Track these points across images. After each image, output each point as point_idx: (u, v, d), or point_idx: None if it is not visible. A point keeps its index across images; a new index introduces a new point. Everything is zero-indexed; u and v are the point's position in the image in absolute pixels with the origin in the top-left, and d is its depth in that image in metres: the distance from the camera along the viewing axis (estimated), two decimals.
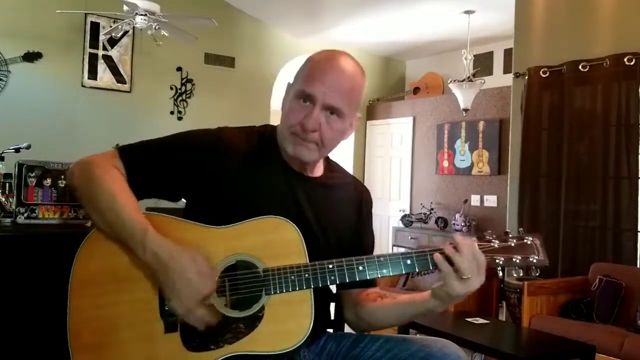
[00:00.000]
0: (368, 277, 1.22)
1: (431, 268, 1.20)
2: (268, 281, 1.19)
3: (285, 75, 6.69)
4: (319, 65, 1.30)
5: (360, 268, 1.21)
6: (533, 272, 1.25)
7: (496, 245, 1.22)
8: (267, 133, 1.39)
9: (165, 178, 1.30)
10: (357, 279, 1.21)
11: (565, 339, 3.12)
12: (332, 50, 1.34)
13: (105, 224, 1.21)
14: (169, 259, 1.15)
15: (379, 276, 1.22)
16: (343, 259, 1.21)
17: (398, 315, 1.35)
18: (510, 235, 1.24)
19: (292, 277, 1.19)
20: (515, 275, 1.27)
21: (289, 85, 1.36)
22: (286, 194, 1.33)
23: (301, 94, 1.28)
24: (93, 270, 1.22)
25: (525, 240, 1.23)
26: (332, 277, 1.20)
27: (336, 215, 1.39)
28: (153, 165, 1.29)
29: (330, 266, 1.20)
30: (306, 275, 1.19)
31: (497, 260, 1.21)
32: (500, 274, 1.24)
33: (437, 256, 1.18)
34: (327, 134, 1.29)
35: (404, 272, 1.23)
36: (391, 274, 1.23)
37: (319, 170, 1.41)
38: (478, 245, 1.21)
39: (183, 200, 1.37)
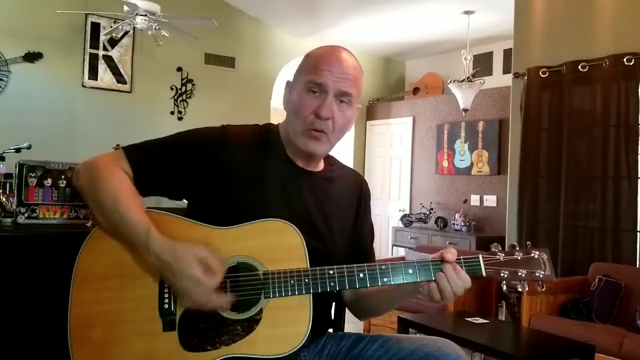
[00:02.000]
0: (368, 286, 1.22)
1: (432, 279, 1.21)
2: (267, 284, 1.20)
3: (285, 75, 6.69)
4: (324, 57, 1.32)
5: (361, 275, 1.21)
6: (539, 287, 1.23)
7: (501, 259, 1.22)
8: (270, 130, 1.41)
9: (171, 176, 1.31)
10: (357, 287, 1.22)
11: (565, 339, 3.12)
12: (330, 45, 1.38)
13: (110, 226, 1.22)
14: (173, 260, 1.15)
15: (380, 284, 1.22)
16: (344, 266, 1.22)
17: (389, 302, 1.38)
18: (517, 249, 1.23)
19: (292, 281, 1.19)
20: (520, 289, 1.25)
21: (291, 83, 1.38)
22: (290, 189, 1.34)
23: (311, 84, 1.30)
24: (96, 265, 1.23)
25: (532, 255, 1.22)
26: (332, 284, 1.20)
27: (339, 208, 1.40)
28: (159, 164, 1.30)
29: (331, 272, 1.21)
30: (306, 280, 1.20)
31: (501, 274, 1.21)
32: (504, 287, 1.23)
33: (441, 276, 1.20)
34: (339, 121, 1.31)
35: (405, 282, 1.23)
36: (392, 283, 1.22)
37: (320, 165, 1.43)
38: (483, 257, 1.22)
39: (184, 200, 1.38)
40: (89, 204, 1.28)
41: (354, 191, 1.47)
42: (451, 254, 1.22)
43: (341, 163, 1.52)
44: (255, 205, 1.26)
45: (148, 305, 1.20)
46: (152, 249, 1.17)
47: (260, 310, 1.19)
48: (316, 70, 1.30)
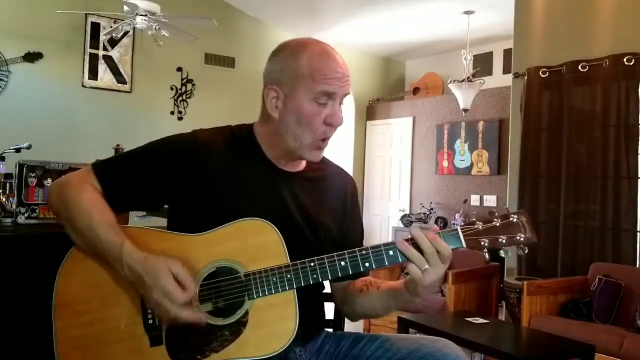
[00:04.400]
0: (351, 272, 1.19)
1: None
2: (250, 285, 1.18)
3: None
4: (324, 61, 1.27)
5: (343, 264, 1.18)
6: (521, 251, 1.20)
7: (480, 227, 1.19)
8: (244, 131, 1.37)
9: (142, 189, 1.28)
10: (340, 275, 1.19)
11: (565, 339, 3.12)
12: (315, 43, 1.30)
13: (84, 243, 1.21)
14: (144, 272, 1.14)
15: (362, 270, 1.19)
16: (325, 256, 1.19)
17: (382, 307, 1.34)
18: (495, 215, 1.21)
19: (274, 278, 1.18)
20: (503, 255, 1.23)
21: (283, 90, 1.28)
22: (268, 191, 1.32)
23: (321, 95, 1.26)
24: (75, 288, 1.22)
25: (510, 219, 1.19)
26: (315, 275, 1.18)
27: (322, 208, 1.37)
28: (128, 178, 1.28)
29: (312, 264, 1.18)
30: (288, 275, 1.18)
31: (482, 243, 1.18)
32: (487, 256, 1.20)
33: (401, 242, 1.17)
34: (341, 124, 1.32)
35: (387, 264, 1.19)
36: (374, 267, 1.19)
37: (301, 164, 1.40)
38: (461, 228, 1.19)
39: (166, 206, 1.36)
40: (63, 223, 1.26)
41: (340, 190, 1.44)
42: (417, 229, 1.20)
43: (328, 160, 1.47)
44: (234, 209, 1.23)
45: (132, 322, 1.19)
46: (125, 261, 1.15)
47: (246, 312, 1.18)
48: (323, 77, 1.25)
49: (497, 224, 1.19)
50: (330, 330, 1.49)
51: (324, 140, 1.30)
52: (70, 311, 1.21)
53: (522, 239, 1.19)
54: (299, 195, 1.34)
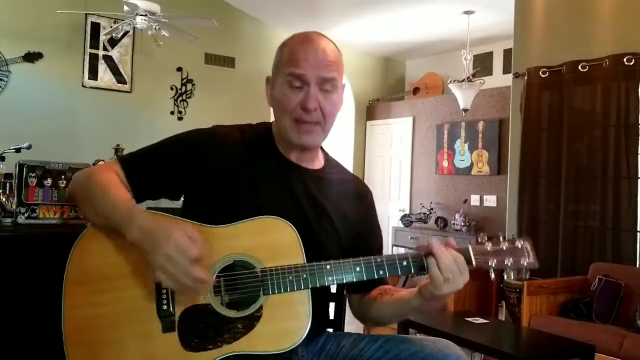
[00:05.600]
0: (365, 278, 1.22)
1: (425, 267, 1.22)
2: (266, 281, 1.20)
3: None
4: (299, 46, 1.31)
5: (358, 269, 1.22)
6: (523, 275, 1.32)
7: (488, 249, 1.26)
8: (262, 129, 1.41)
9: (164, 179, 1.32)
10: (355, 280, 1.22)
11: (565, 339, 3.12)
12: (304, 32, 1.35)
13: (96, 213, 1.23)
14: (156, 227, 1.14)
15: (375, 277, 1.23)
16: (340, 260, 1.22)
17: (395, 314, 1.37)
18: (501, 239, 1.28)
19: (290, 277, 1.20)
20: (506, 277, 1.33)
21: (271, 79, 1.37)
22: (282, 185, 1.33)
23: (291, 77, 1.29)
24: (88, 267, 1.22)
25: (516, 244, 1.28)
26: (330, 278, 1.21)
27: (335, 208, 1.39)
28: (152, 169, 1.32)
29: (328, 267, 1.21)
30: (304, 275, 1.20)
31: (489, 263, 1.25)
32: (492, 276, 1.28)
33: (432, 262, 1.21)
34: (327, 109, 1.31)
35: (400, 274, 1.26)
36: (387, 275, 1.24)
37: (318, 163, 1.42)
38: (472, 248, 1.25)
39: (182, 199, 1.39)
40: (79, 204, 1.31)
41: (354, 197, 1.45)
42: (438, 242, 1.25)
43: (342, 166, 1.51)
44: (247, 203, 1.26)
45: (145, 306, 1.18)
46: (137, 222, 1.16)
47: (260, 307, 1.19)
48: (294, 60, 1.29)
49: (504, 248, 1.27)
50: (331, 330, 1.49)
51: (307, 123, 1.30)
52: (82, 289, 1.20)
53: (525, 264, 1.28)
54: (311, 191, 1.36)
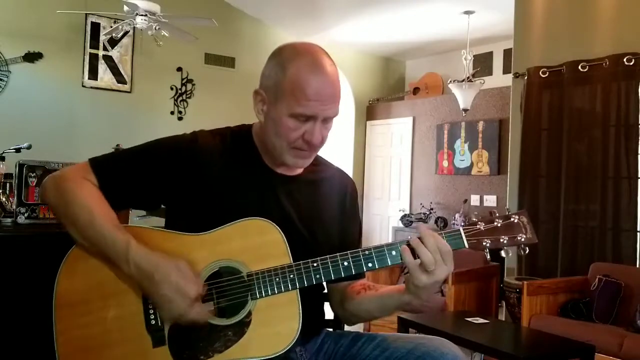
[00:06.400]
0: (354, 273, 1.20)
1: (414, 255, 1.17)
2: (253, 285, 1.18)
3: None
4: (309, 77, 1.21)
5: (345, 264, 1.19)
6: (522, 251, 1.21)
7: (482, 228, 1.19)
8: (242, 134, 1.36)
9: (140, 187, 1.27)
10: (343, 275, 1.19)
11: (565, 339, 3.12)
12: (308, 53, 1.26)
13: (86, 240, 1.19)
14: (154, 269, 1.13)
15: (365, 270, 1.20)
16: (327, 256, 1.19)
17: (380, 309, 1.32)
18: (496, 216, 1.21)
19: (277, 279, 1.18)
20: (504, 255, 1.24)
21: (268, 98, 1.26)
22: (267, 195, 1.31)
23: (299, 116, 1.22)
24: (76, 288, 1.20)
25: (512, 219, 1.20)
26: (317, 276, 1.18)
27: (321, 211, 1.37)
28: (126, 175, 1.27)
29: (315, 264, 1.19)
30: (291, 275, 1.18)
31: (483, 243, 1.19)
32: (488, 256, 1.21)
33: (404, 248, 1.16)
34: (325, 136, 1.28)
35: (389, 264, 1.19)
36: (377, 267, 1.19)
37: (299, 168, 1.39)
38: (464, 229, 1.19)
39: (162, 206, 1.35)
40: (61, 220, 1.23)
41: (339, 192, 1.43)
42: (426, 227, 1.19)
43: (327, 162, 1.46)
44: (230, 211, 1.23)
45: (134, 322, 1.18)
46: (133, 260, 1.14)
47: (249, 313, 1.18)
48: (304, 99, 1.20)
49: (499, 225, 1.20)
50: (330, 329, 1.49)
51: (301, 150, 1.27)
52: (72, 312, 1.19)
53: (523, 240, 1.20)
54: (297, 199, 1.34)
